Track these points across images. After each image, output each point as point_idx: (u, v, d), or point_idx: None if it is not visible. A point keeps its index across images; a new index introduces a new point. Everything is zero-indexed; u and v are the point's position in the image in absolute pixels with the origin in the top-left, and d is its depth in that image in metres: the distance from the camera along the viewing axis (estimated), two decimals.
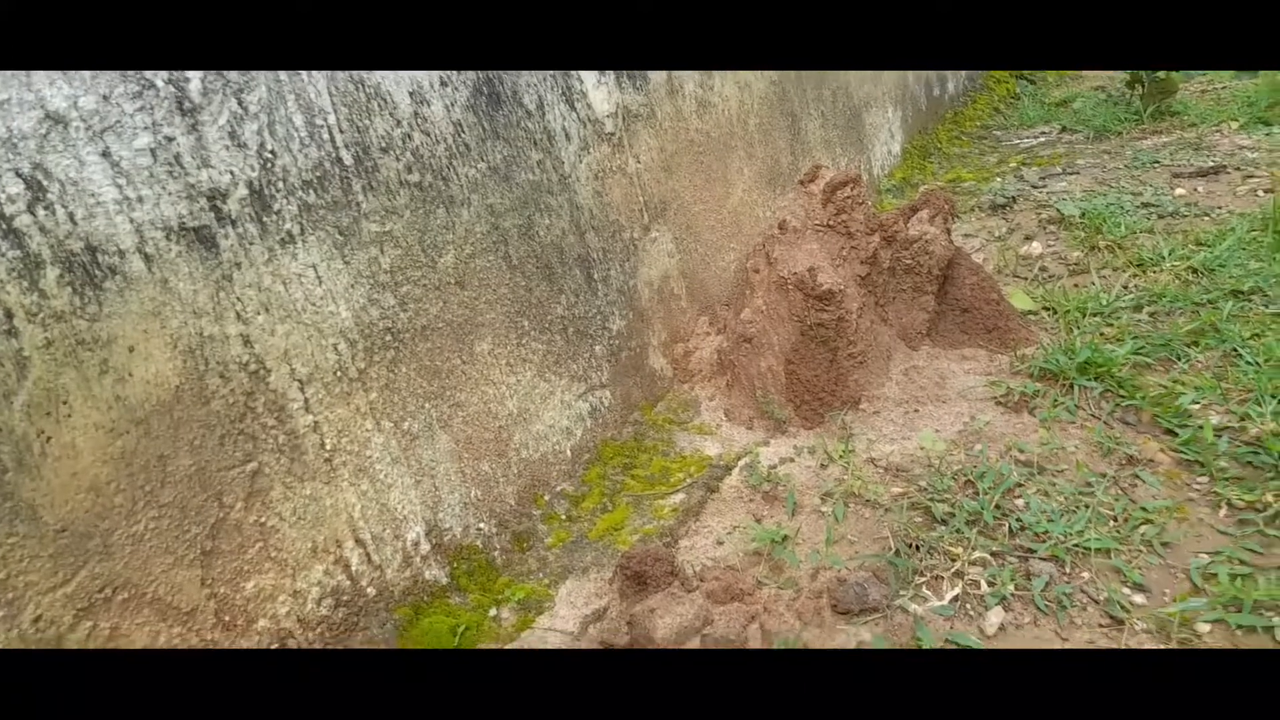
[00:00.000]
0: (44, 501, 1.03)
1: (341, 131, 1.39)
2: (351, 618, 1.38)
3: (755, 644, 1.35)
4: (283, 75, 1.29)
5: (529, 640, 1.45)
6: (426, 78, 1.53)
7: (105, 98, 1.09)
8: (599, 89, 1.99)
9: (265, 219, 1.27)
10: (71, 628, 1.05)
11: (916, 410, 1.94)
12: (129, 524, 1.10)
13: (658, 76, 2.20)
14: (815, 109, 3.18)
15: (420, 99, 1.52)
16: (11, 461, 1.01)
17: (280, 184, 1.29)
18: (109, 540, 1.08)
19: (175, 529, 1.15)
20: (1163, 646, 1.19)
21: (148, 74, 1.12)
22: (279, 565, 1.28)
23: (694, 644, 1.36)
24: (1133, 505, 1.47)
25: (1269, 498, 1.40)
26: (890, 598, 1.38)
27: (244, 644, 1.23)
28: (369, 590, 1.41)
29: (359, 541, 1.40)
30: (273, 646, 1.27)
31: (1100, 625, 1.25)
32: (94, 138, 1.08)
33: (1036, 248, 2.77)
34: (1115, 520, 1.45)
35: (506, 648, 1.43)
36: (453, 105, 1.59)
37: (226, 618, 1.21)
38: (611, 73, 2.02)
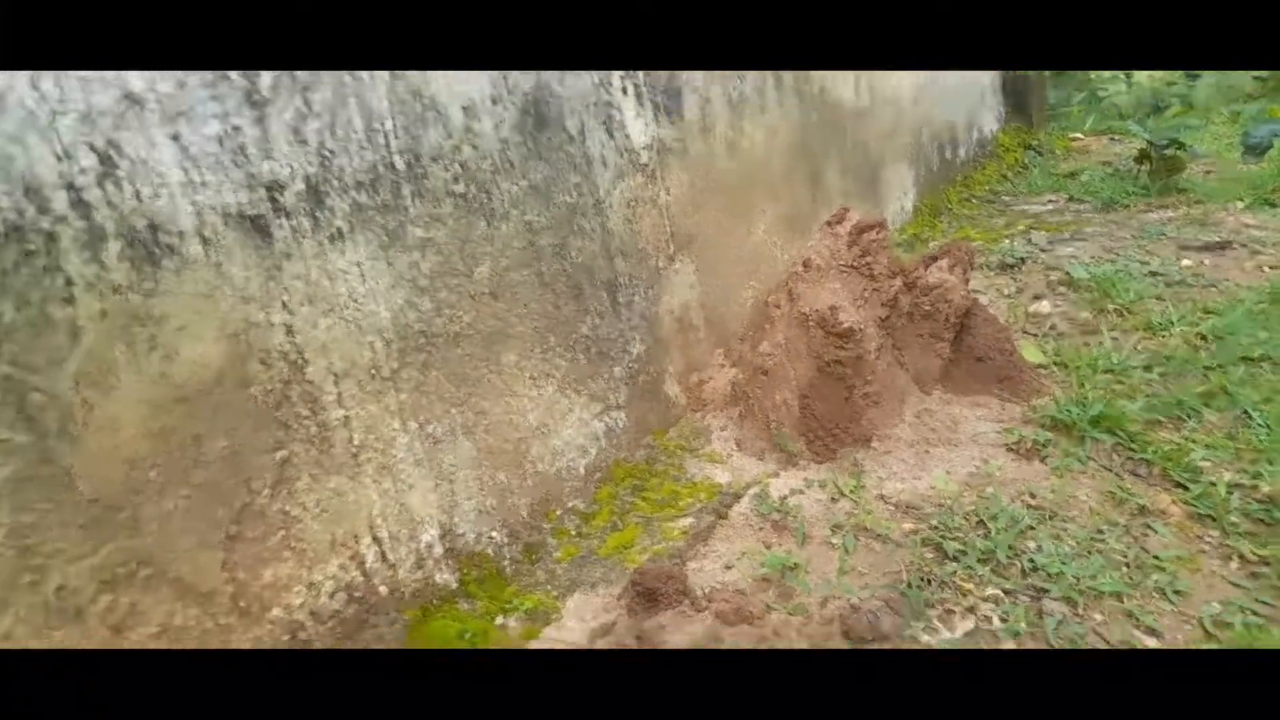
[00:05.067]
0: (81, 471, 1.04)
1: (397, 138, 1.43)
2: (362, 614, 1.38)
3: None
4: (346, 78, 1.33)
5: None
6: (479, 94, 1.58)
7: (181, 84, 1.12)
8: (637, 120, 2.04)
9: (318, 214, 1.30)
10: (93, 599, 1.05)
11: (928, 451, 1.96)
12: (160, 501, 1.11)
13: (692, 113, 2.26)
14: (835, 160, 3.26)
15: (472, 114, 1.56)
16: (55, 427, 1.02)
17: (335, 182, 1.33)
18: (139, 515, 1.09)
19: (203, 510, 1.16)
20: None
21: None
22: (298, 555, 1.29)
23: None
24: (1144, 553, 1.49)
25: None
26: (902, 628, 1.39)
27: (257, 632, 1.23)
28: (381, 589, 1.42)
29: (376, 539, 1.41)
30: (284, 638, 1.27)
31: None
32: (167, 121, 1.11)
33: (1046, 306, 2.82)
34: (1127, 566, 1.46)
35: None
36: (501, 123, 1.64)
37: (242, 603, 1.21)
38: (649, 105, 2.08)
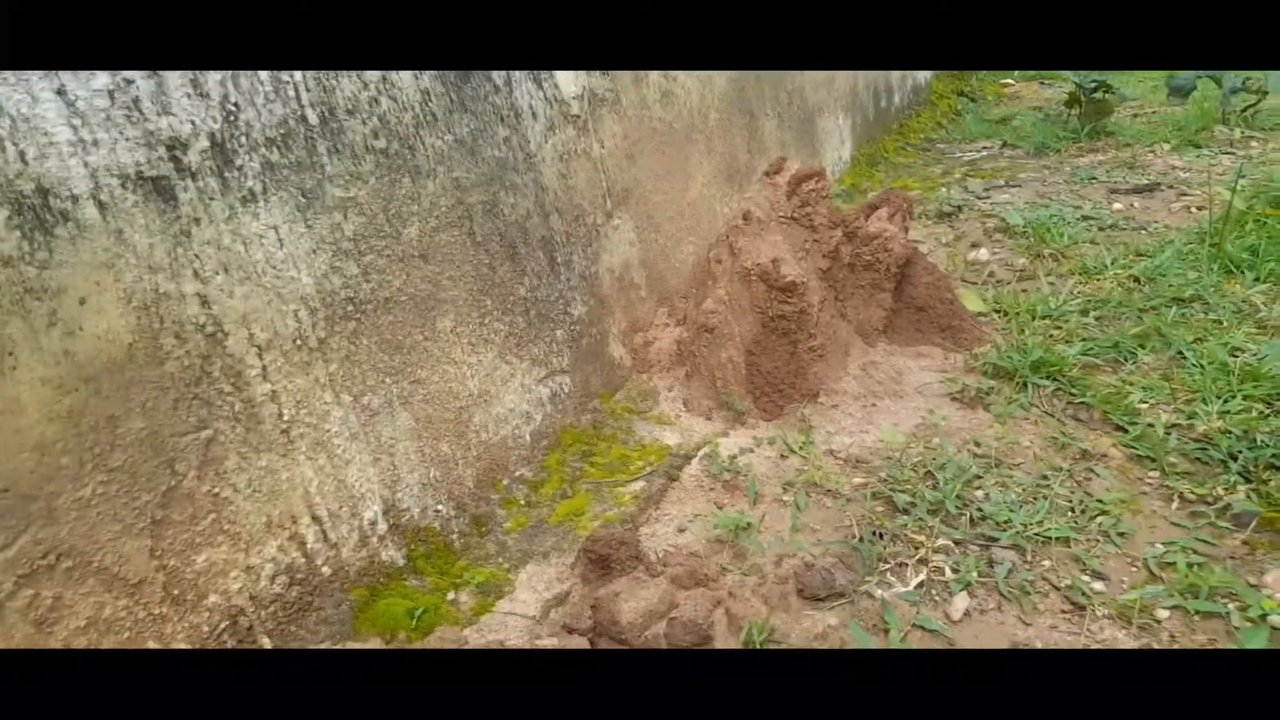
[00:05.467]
0: None
1: (308, 90, 1.33)
2: (306, 597, 1.32)
3: (721, 629, 1.34)
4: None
5: (489, 624, 1.41)
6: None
7: None
8: (566, 70, 1.96)
9: (227, 174, 1.20)
10: (11, 595, 0.97)
11: (874, 404, 1.96)
12: (75, 488, 1.03)
13: None
14: (772, 109, 3.20)
15: None
16: None
17: (243, 139, 1.23)
18: (54, 504, 1.01)
19: (124, 495, 1.08)
20: (1124, 631, 1.22)
21: None
22: (232, 539, 1.21)
23: (659, 628, 1.34)
24: (1088, 497, 1.51)
25: (1219, 491, 1.45)
26: (856, 583, 1.38)
27: (193, 619, 1.16)
28: (324, 569, 1.35)
29: (315, 518, 1.34)
30: (223, 624, 1.20)
31: (1063, 611, 1.28)
32: (48, 73, 1.00)
33: (984, 254, 2.84)
34: (1072, 511, 1.48)
35: (477, 647, 1.39)
36: (421, 72, 1.54)
37: (176, 591, 1.14)
38: None
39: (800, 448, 1.81)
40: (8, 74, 0.97)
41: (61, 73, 1.01)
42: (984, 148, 4.46)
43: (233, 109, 1.21)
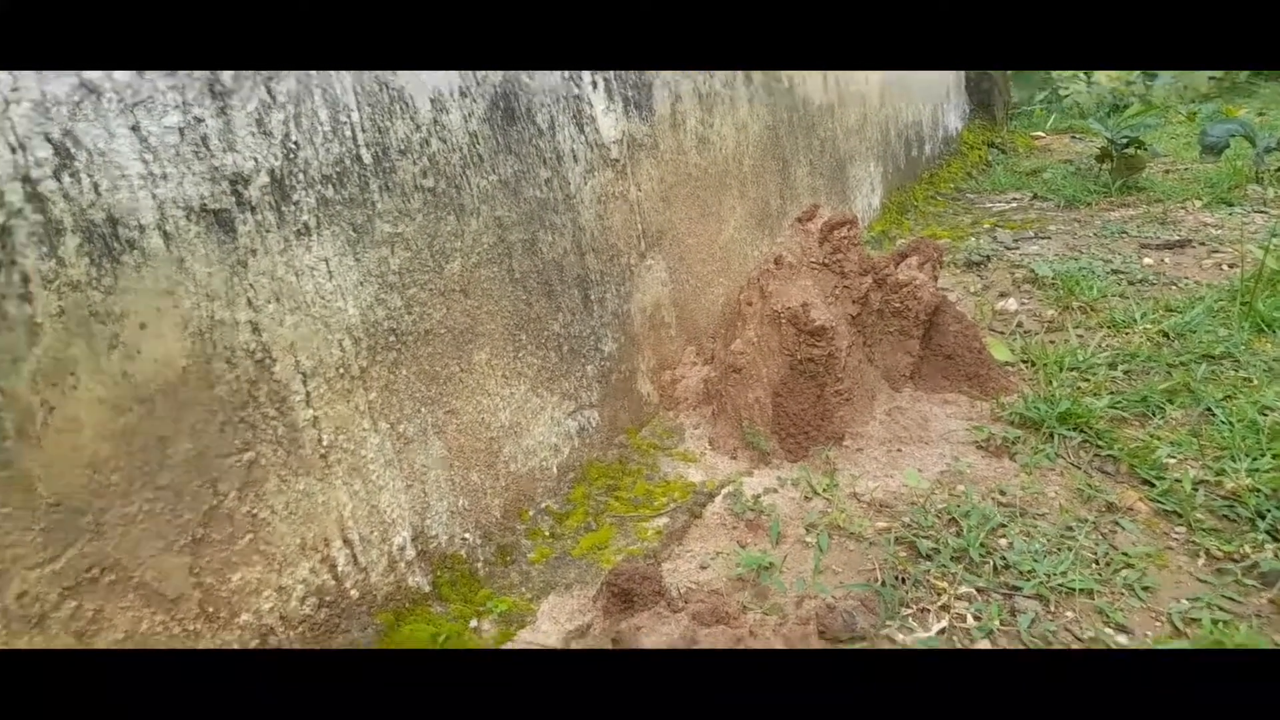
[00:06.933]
0: (41, 473, 1.00)
1: (364, 130, 1.39)
2: (334, 619, 1.35)
3: None
4: (311, 70, 1.30)
5: None
6: (447, 87, 1.55)
7: (139, 73, 1.08)
8: (607, 115, 2.02)
9: (284, 208, 1.26)
10: (56, 606, 1.01)
11: (899, 450, 1.97)
12: (124, 504, 1.07)
13: (663, 109, 2.25)
14: (804, 156, 3.26)
15: (441, 107, 1.53)
16: (13, 429, 0.98)
17: (301, 175, 1.29)
18: (101, 519, 1.05)
19: (169, 513, 1.12)
20: None
21: None
22: (267, 559, 1.25)
23: None
24: (1113, 550, 1.51)
25: (1246, 549, 1.45)
26: (878, 627, 1.39)
27: (225, 637, 1.20)
28: (352, 592, 1.39)
29: (347, 541, 1.38)
30: (253, 643, 1.23)
31: None
32: (125, 110, 1.07)
33: (1012, 304, 2.85)
34: (1097, 563, 1.48)
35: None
36: (470, 116, 1.61)
37: (210, 609, 1.17)
38: (620, 100, 2.06)
39: (824, 490, 1.82)
40: (88, 110, 1.03)
41: (137, 110, 1.07)
42: (1014, 199, 4.48)
43: (293, 147, 1.27)
